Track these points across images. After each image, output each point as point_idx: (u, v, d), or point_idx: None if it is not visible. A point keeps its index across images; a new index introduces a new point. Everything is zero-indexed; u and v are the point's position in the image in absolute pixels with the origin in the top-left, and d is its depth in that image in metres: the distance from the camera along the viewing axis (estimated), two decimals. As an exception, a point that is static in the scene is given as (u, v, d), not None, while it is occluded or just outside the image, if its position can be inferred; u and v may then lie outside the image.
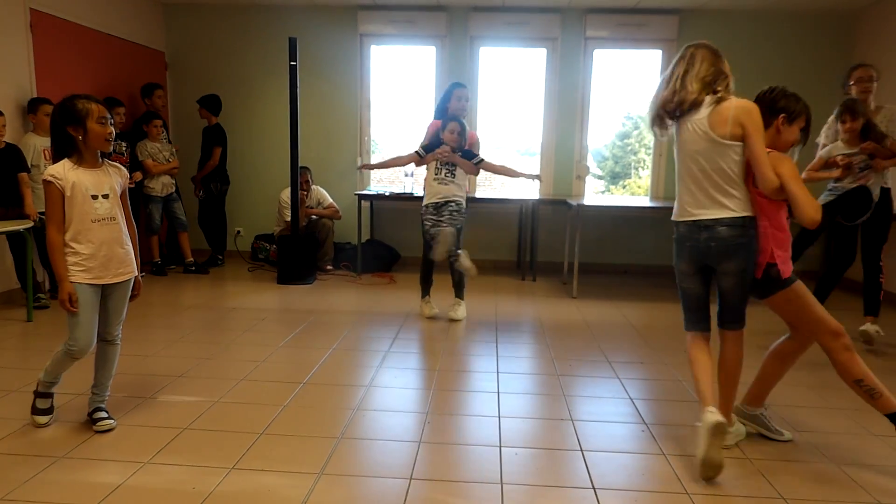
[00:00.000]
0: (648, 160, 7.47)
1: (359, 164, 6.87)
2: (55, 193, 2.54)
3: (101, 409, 2.75)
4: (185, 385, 3.24)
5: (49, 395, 2.79)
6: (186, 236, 6.23)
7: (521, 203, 6.71)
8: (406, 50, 6.97)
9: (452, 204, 4.55)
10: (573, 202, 5.75)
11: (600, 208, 6.34)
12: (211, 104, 6.33)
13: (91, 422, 2.72)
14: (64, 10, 5.32)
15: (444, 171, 4.57)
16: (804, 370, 3.70)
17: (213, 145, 6.33)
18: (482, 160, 4.66)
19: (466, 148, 4.62)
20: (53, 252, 2.57)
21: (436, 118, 4.95)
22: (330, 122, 6.88)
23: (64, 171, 2.55)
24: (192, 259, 6.20)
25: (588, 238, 6.61)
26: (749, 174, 2.49)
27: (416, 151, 4.68)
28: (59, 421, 2.78)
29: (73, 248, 2.58)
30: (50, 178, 2.53)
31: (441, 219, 4.51)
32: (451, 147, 4.55)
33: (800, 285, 2.51)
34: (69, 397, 3.02)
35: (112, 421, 2.72)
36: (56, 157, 2.61)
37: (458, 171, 4.56)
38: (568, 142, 6.82)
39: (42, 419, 2.74)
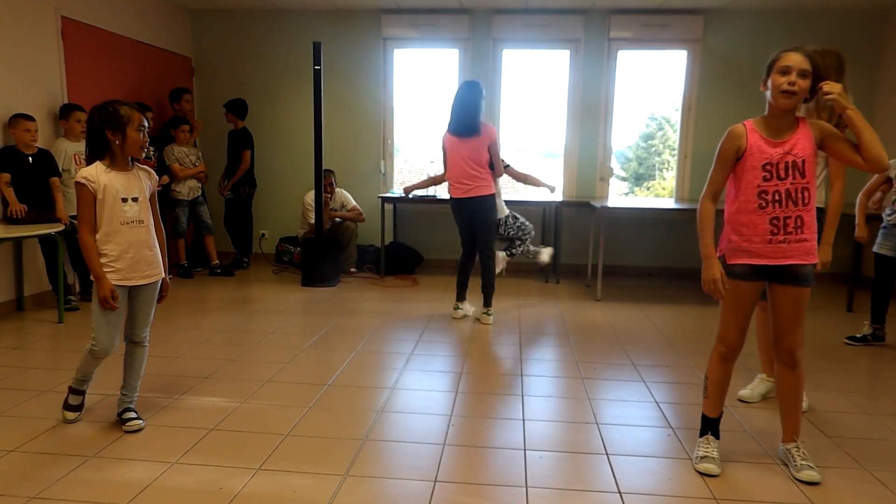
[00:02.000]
0: (673, 161, 7.40)
1: (382, 168, 6.91)
2: (87, 196, 2.59)
3: (130, 410, 2.80)
4: (212, 386, 3.28)
5: (80, 393, 2.85)
6: (212, 239, 6.31)
7: (544, 205, 6.68)
8: (429, 53, 6.98)
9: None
10: (597, 204, 5.72)
11: (624, 210, 6.29)
12: (237, 108, 6.42)
13: (120, 422, 2.77)
14: (94, 18, 5.42)
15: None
16: (857, 376, 3.65)
17: (242, 148, 6.42)
18: (508, 165, 4.73)
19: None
20: (88, 252, 2.61)
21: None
22: (353, 126, 6.92)
23: (97, 174, 2.60)
24: (217, 262, 6.28)
25: (612, 240, 6.56)
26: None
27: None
28: (89, 421, 2.83)
29: (102, 250, 2.63)
30: (83, 181, 2.58)
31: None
32: None
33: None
34: (99, 397, 3.07)
35: (141, 421, 2.76)
36: (90, 159, 2.66)
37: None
38: (591, 143, 6.78)
39: (70, 415, 2.81)
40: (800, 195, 2.29)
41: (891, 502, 2.28)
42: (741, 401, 3.20)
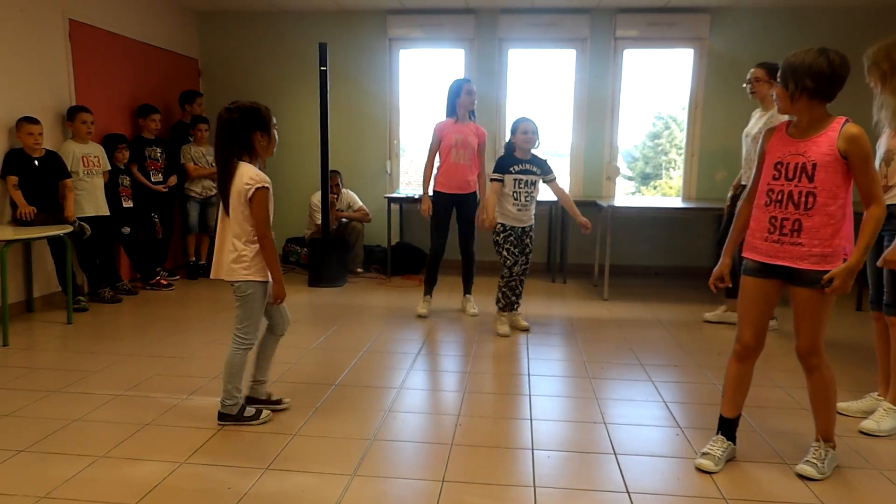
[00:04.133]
0: (679, 160, 7.38)
1: (388, 168, 6.92)
2: (268, 197, 2.69)
3: (271, 394, 3.01)
4: (220, 386, 3.27)
5: (244, 399, 2.88)
6: (208, 240, 6.34)
7: (550, 205, 6.67)
8: (435, 53, 6.98)
9: (532, 230, 4.37)
10: (603, 203, 5.70)
11: (631, 209, 6.28)
12: None
13: (274, 403, 2.96)
14: (101, 21, 5.45)
15: (523, 196, 4.23)
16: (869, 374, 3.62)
17: None
18: (555, 179, 4.34)
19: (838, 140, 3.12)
20: (273, 254, 2.75)
21: (448, 115, 4.74)
22: (359, 126, 6.92)
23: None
24: (203, 262, 6.29)
25: (619, 240, 6.54)
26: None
27: (493, 179, 4.25)
28: (99, 421, 2.84)
29: (244, 252, 2.71)
30: (265, 185, 2.65)
31: (525, 249, 4.35)
32: (528, 149, 4.24)
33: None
34: (108, 398, 3.08)
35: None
36: (228, 160, 2.65)
37: (536, 193, 4.28)
38: (597, 143, 6.77)
39: (265, 416, 2.87)
40: (802, 199, 2.26)
41: (901, 502, 2.27)
42: (870, 434, 2.94)
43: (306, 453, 2.56)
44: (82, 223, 4.71)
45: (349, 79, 6.81)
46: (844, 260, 2.25)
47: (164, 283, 5.67)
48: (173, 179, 5.88)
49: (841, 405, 3.04)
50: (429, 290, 4.88)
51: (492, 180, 4.24)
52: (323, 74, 5.73)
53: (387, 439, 2.71)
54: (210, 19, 6.95)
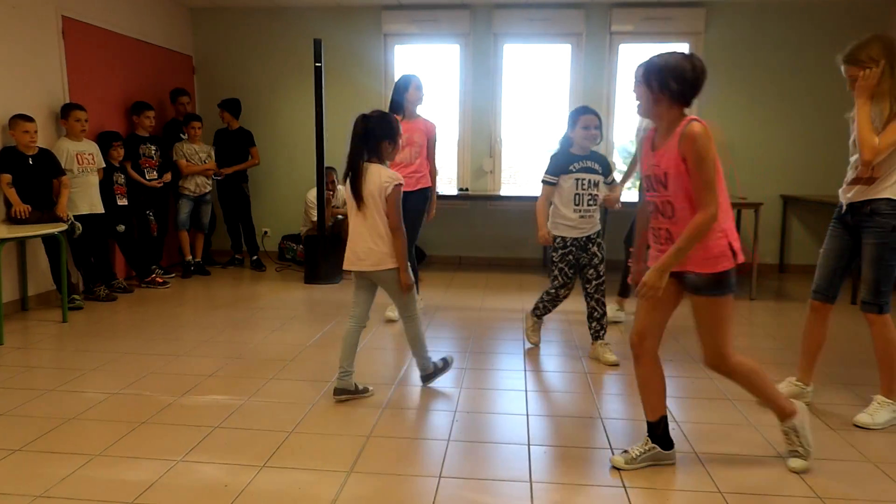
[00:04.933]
0: (676, 155, 7.38)
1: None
2: (401, 193, 3.00)
3: (425, 375, 3.27)
4: (215, 384, 3.28)
5: (340, 392, 3.09)
6: (201, 238, 6.34)
7: (633, 206, 6.65)
8: (430, 49, 6.97)
9: (599, 237, 3.73)
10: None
11: (626, 204, 6.25)
12: (234, 108, 6.43)
13: (361, 392, 3.13)
14: (95, 17, 5.42)
15: (587, 199, 3.63)
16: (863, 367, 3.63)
17: (250, 146, 6.48)
18: (615, 183, 3.83)
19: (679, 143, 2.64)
20: (405, 245, 3.02)
21: (394, 112, 4.39)
22: (355, 123, 6.90)
23: None
24: (199, 259, 6.30)
25: (614, 234, 6.54)
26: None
27: (545, 181, 3.69)
28: (94, 419, 2.83)
29: (388, 241, 3.01)
30: (401, 182, 2.98)
31: (593, 260, 3.69)
32: (589, 146, 3.63)
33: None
34: (103, 396, 3.08)
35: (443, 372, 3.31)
36: (360, 162, 2.96)
37: (599, 194, 3.69)
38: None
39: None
40: (666, 208, 2.25)
41: (897, 494, 2.28)
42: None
43: (303, 450, 2.56)
44: (74, 222, 4.69)
45: (344, 75, 6.79)
46: (734, 253, 2.22)
47: (160, 280, 5.65)
48: (168, 176, 5.87)
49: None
50: None
51: (543, 183, 3.68)
52: (318, 70, 5.71)
53: (384, 436, 2.71)
54: (204, 15, 6.92)
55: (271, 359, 3.70)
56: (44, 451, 2.53)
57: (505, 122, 6.89)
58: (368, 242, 2.99)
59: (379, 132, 2.97)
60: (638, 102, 2.31)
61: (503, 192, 6.75)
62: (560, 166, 3.63)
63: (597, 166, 3.63)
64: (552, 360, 3.78)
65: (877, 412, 2.86)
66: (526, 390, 3.26)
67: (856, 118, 2.78)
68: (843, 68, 2.87)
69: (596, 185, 3.63)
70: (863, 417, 2.85)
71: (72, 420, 2.81)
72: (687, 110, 2.23)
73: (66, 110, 4.88)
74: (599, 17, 6.50)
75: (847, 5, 6.27)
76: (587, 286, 3.70)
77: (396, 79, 4.51)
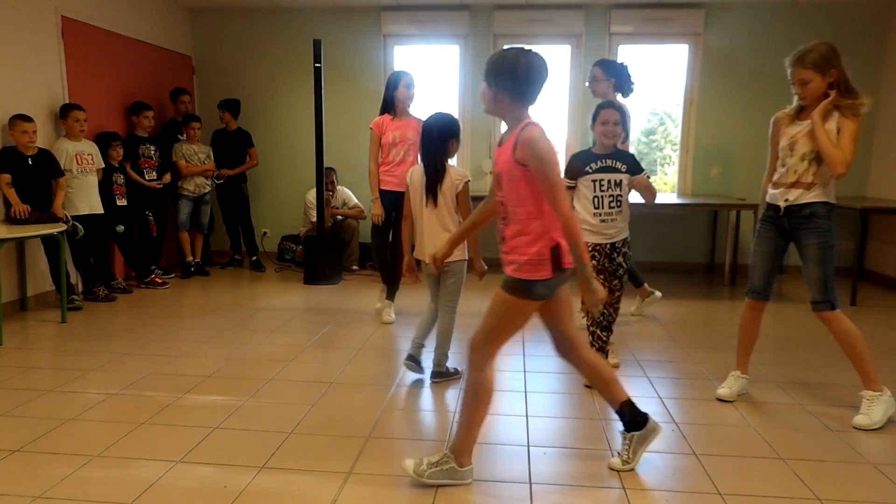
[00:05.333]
0: (674, 156, 7.39)
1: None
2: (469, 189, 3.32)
3: (436, 372, 3.39)
4: (215, 385, 3.28)
5: (412, 358, 3.40)
6: (201, 238, 6.33)
7: None
8: (429, 50, 6.96)
9: (625, 245, 3.40)
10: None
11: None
12: (234, 108, 6.43)
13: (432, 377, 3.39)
14: (94, 17, 5.41)
15: (607, 201, 3.31)
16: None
17: (248, 147, 6.49)
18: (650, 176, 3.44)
19: (515, 148, 2.30)
20: (476, 236, 3.24)
21: (382, 112, 4.48)
22: (354, 123, 6.90)
23: None
24: (199, 260, 6.30)
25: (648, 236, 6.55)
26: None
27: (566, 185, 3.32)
28: (93, 420, 2.83)
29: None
30: (469, 178, 3.34)
31: (617, 272, 3.39)
32: (610, 143, 3.32)
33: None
34: (103, 397, 3.07)
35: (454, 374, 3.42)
36: (439, 162, 3.27)
37: (624, 196, 3.34)
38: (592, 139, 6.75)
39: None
40: (500, 208, 2.22)
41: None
42: (721, 400, 3.13)
43: (302, 451, 2.55)
44: (76, 223, 4.69)
45: (344, 75, 6.79)
46: (558, 261, 2.14)
47: (159, 281, 5.65)
48: (168, 177, 5.87)
49: (721, 391, 3.14)
50: (391, 295, 4.67)
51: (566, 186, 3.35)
52: (317, 71, 5.71)
53: (383, 437, 2.70)
54: (204, 16, 6.92)
55: (270, 360, 3.69)
56: (43, 451, 2.53)
57: (505, 126, 6.86)
58: (440, 235, 3.24)
59: (447, 132, 3.26)
60: (482, 101, 2.26)
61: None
62: (576, 168, 3.33)
63: (620, 165, 3.28)
64: (551, 361, 3.78)
65: (871, 409, 2.86)
66: (525, 391, 3.26)
67: (817, 136, 2.83)
68: (798, 71, 2.89)
69: (619, 185, 3.28)
70: (860, 419, 2.85)
71: (71, 420, 2.81)
72: (532, 110, 2.19)
73: (66, 110, 4.88)
74: (599, 18, 6.50)
75: (845, 8, 6.28)
76: (608, 296, 3.36)
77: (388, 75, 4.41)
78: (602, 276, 3.32)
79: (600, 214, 3.29)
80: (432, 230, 3.32)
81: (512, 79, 2.11)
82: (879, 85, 6.35)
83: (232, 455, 2.51)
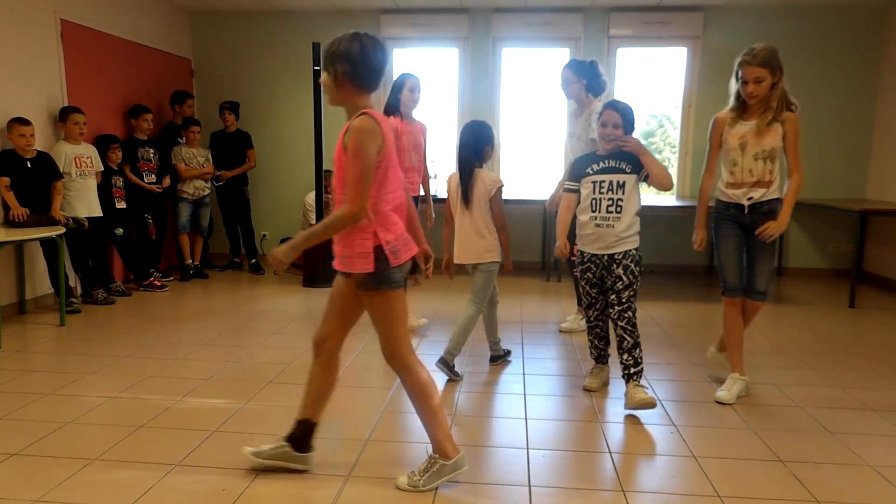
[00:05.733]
0: (674, 159, 7.39)
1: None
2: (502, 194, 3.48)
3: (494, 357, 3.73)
4: (214, 388, 3.27)
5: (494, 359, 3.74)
6: (200, 241, 6.33)
7: (544, 203, 6.66)
8: (428, 52, 6.97)
9: (627, 259, 3.01)
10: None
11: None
12: (237, 110, 6.45)
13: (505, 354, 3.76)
14: (94, 21, 5.42)
15: (605, 205, 3.02)
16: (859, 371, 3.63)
17: (248, 149, 6.50)
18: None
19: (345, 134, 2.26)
20: (509, 238, 3.55)
21: (391, 112, 4.18)
22: (353, 126, 6.90)
23: None
24: (197, 262, 6.30)
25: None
26: None
27: (566, 188, 3.22)
28: (92, 424, 2.82)
29: (493, 237, 3.49)
30: (502, 184, 3.46)
31: (616, 284, 3.02)
32: (608, 147, 3.06)
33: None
34: (101, 400, 3.07)
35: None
36: (472, 167, 3.41)
37: (628, 200, 3.00)
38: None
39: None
40: (336, 195, 2.21)
41: None
42: (719, 403, 3.14)
43: (301, 454, 2.55)
44: (77, 219, 4.72)
45: (343, 78, 6.79)
46: (386, 257, 2.16)
47: (158, 284, 5.64)
48: (167, 180, 5.87)
49: (720, 394, 3.16)
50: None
51: (565, 191, 3.23)
52: (317, 74, 5.71)
53: (382, 440, 2.70)
54: (203, 19, 6.92)
55: (269, 363, 3.69)
56: (41, 455, 2.52)
57: (503, 125, 6.89)
58: (473, 239, 3.44)
59: (484, 138, 3.41)
60: (324, 92, 2.20)
61: (504, 196, 6.73)
62: (577, 169, 3.14)
63: (625, 165, 3.00)
64: (551, 363, 3.78)
65: (732, 388, 3.16)
66: (524, 394, 3.25)
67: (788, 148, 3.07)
68: (753, 69, 2.96)
69: (621, 187, 2.99)
70: (723, 394, 3.14)
71: (69, 424, 2.81)
72: (373, 99, 2.15)
73: (65, 113, 4.88)
74: (598, 21, 6.51)
75: (844, 11, 6.29)
76: (610, 311, 3.09)
77: (394, 78, 4.31)
78: (595, 290, 3.13)
79: (595, 218, 3.02)
80: (467, 234, 3.47)
81: (351, 64, 2.06)
82: (877, 87, 6.36)
83: (231, 458, 2.50)
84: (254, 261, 6.59)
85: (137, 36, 6.02)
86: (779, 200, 3.10)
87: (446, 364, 3.43)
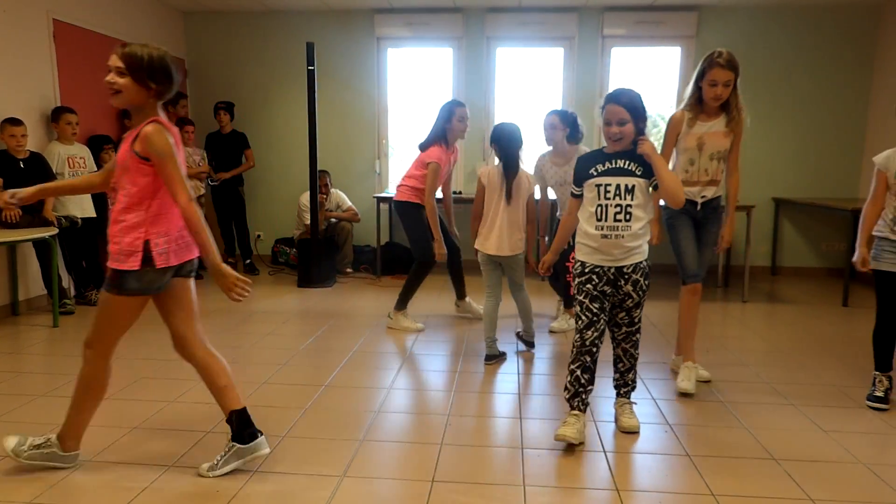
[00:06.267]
0: (668, 158, 7.41)
1: (377, 168, 6.93)
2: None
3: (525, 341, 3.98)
4: (207, 389, 3.25)
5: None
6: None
7: (537, 202, 6.67)
8: (423, 52, 6.97)
9: (638, 272, 2.68)
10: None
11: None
12: (232, 110, 6.44)
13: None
14: (86, 21, 5.40)
15: (612, 212, 2.59)
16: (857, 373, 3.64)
17: (245, 149, 6.50)
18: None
19: (136, 141, 2.27)
20: (535, 230, 3.98)
21: (433, 142, 4.26)
22: (348, 126, 6.91)
23: None
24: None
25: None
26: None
27: (571, 193, 2.78)
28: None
29: (524, 230, 3.79)
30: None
31: (625, 301, 2.70)
32: (616, 147, 2.65)
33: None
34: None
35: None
36: (518, 166, 3.72)
37: (639, 206, 2.60)
38: (586, 141, 6.73)
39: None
40: (113, 195, 2.35)
41: None
42: (685, 394, 3.20)
43: (295, 455, 2.55)
44: (69, 217, 4.71)
45: (337, 78, 6.79)
46: (151, 257, 2.27)
47: (152, 284, 5.62)
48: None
49: (684, 385, 3.21)
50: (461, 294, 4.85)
51: (572, 196, 2.79)
52: (311, 74, 5.71)
53: (376, 440, 2.70)
54: (196, 19, 6.90)
55: (264, 363, 3.68)
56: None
57: (503, 127, 6.87)
58: (511, 232, 3.67)
59: (522, 140, 3.74)
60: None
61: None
62: (581, 171, 2.71)
63: (634, 166, 2.60)
64: (545, 363, 3.79)
65: (689, 375, 3.26)
66: (519, 393, 3.26)
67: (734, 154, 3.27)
68: (725, 72, 3.13)
69: (630, 192, 2.58)
70: (683, 385, 3.22)
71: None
72: (161, 106, 2.29)
73: (57, 114, 4.86)
74: (592, 20, 6.52)
75: (837, 10, 6.31)
76: (615, 330, 2.78)
77: (441, 105, 4.32)
78: (596, 304, 2.64)
79: (602, 228, 2.60)
80: (505, 228, 3.67)
81: (165, 76, 2.23)
82: (871, 86, 6.39)
83: (225, 459, 2.49)
84: (248, 261, 6.58)
85: (130, 36, 6.00)
86: (721, 197, 3.34)
87: (531, 345, 3.99)
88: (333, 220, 6.48)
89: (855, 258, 3.24)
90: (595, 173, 2.63)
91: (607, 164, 2.63)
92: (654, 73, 6.94)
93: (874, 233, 3.18)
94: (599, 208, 2.61)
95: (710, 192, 3.28)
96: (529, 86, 6.95)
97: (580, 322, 2.68)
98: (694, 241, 3.34)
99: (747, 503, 2.22)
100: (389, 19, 6.63)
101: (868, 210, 3.23)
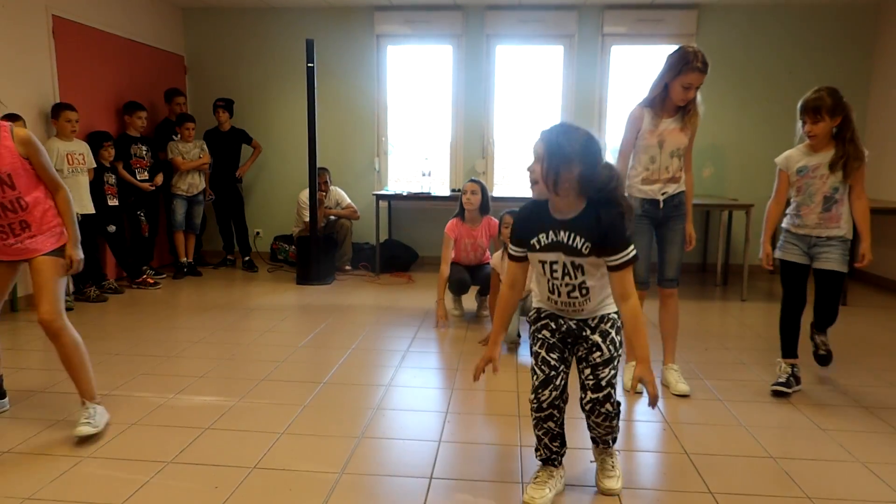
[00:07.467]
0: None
1: (376, 165, 6.92)
2: None
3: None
4: (207, 385, 3.27)
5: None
6: (193, 238, 6.32)
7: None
8: (422, 49, 6.96)
9: (606, 324, 2.17)
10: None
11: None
12: (231, 107, 6.43)
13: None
14: (85, 17, 5.39)
15: (564, 289, 2.11)
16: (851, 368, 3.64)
17: (247, 143, 6.53)
18: (627, 262, 2.04)
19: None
20: None
21: (456, 214, 4.61)
22: (347, 123, 6.90)
23: None
24: (190, 260, 6.30)
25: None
26: None
27: (513, 255, 2.20)
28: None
29: None
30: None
31: (590, 356, 2.16)
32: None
33: None
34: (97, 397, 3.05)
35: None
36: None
37: (594, 278, 2.08)
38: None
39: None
40: (16, 204, 2.57)
41: None
42: (682, 396, 3.20)
43: (294, 452, 2.55)
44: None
45: (336, 75, 6.78)
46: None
47: (151, 281, 5.63)
48: (160, 178, 5.85)
49: (682, 387, 3.22)
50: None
51: (509, 258, 2.24)
52: (310, 71, 5.70)
53: (375, 437, 2.70)
54: (196, 15, 6.90)
55: (263, 360, 3.69)
56: (33, 452, 2.52)
57: (497, 123, 6.89)
58: None
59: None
60: None
61: (495, 193, 6.73)
62: (520, 233, 2.17)
63: (580, 242, 2.03)
64: (544, 360, 3.79)
65: (680, 379, 3.25)
66: (518, 391, 3.26)
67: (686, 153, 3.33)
68: (700, 77, 3.13)
69: (579, 268, 2.06)
70: (681, 387, 3.20)
71: (61, 421, 2.80)
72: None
73: (57, 110, 4.85)
74: (592, 18, 6.52)
75: (837, 8, 6.31)
76: (581, 393, 2.21)
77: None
78: (555, 355, 2.17)
79: (556, 303, 2.17)
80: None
81: None
82: (870, 85, 6.39)
83: (223, 456, 2.50)
84: (247, 258, 6.58)
85: (130, 32, 5.99)
86: (683, 192, 3.33)
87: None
88: (332, 217, 6.48)
89: (760, 255, 3.44)
90: (537, 246, 2.10)
91: (551, 236, 2.07)
92: (654, 72, 6.94)
93: (782, 226, 3.40)
94: (549, 283, 2.13)
95: (671, 189, 3.28)
96: (529, 84, 6.95)
97: (534, 378, 2.19)
98: (647, 249, 3.35)
99: (745, 502, 2.23)
100: (389, 16, 6.62)
101: (772, 208, 3.41)
